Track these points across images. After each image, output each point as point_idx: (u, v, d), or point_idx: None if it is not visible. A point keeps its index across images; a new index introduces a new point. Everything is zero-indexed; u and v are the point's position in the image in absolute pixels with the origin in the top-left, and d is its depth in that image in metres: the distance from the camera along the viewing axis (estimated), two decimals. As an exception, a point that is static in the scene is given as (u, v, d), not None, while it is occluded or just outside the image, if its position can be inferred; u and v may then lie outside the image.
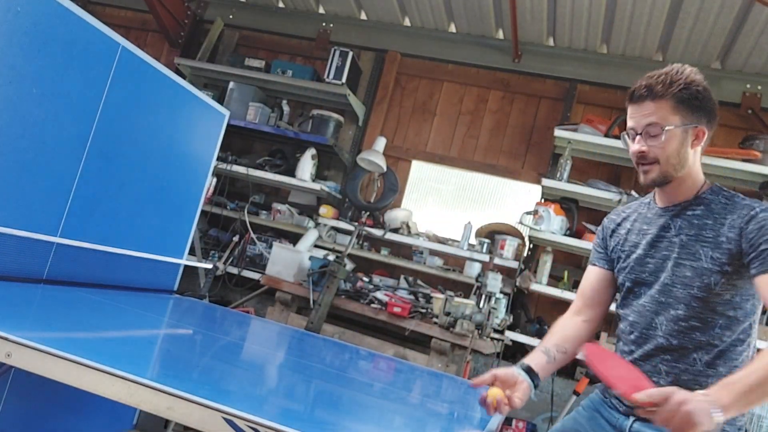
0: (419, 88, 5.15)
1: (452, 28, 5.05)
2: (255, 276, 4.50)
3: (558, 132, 4.30)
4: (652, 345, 1.68)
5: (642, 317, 1.71)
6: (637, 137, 1.67)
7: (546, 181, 4.27)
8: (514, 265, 4.25)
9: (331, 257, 4.08)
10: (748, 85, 4.40)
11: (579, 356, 1.73)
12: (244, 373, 2.11)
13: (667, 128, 1.61)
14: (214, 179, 4.83)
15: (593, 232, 4.00)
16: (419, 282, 4.41)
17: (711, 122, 1.67)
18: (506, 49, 4.85)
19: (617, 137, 4.25)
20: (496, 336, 3.80)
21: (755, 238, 1.55)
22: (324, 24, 5.37)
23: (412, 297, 4.11)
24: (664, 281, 1.68)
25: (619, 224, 1.88)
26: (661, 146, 1.63)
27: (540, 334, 4.11)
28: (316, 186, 4.75)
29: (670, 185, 1.70)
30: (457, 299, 3.73)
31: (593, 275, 1.91)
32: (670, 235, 1.71)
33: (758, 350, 1.55)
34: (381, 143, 4.80)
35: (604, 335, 3.91)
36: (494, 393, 1.58)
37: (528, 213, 4.24)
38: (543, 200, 4.32)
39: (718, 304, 1.61)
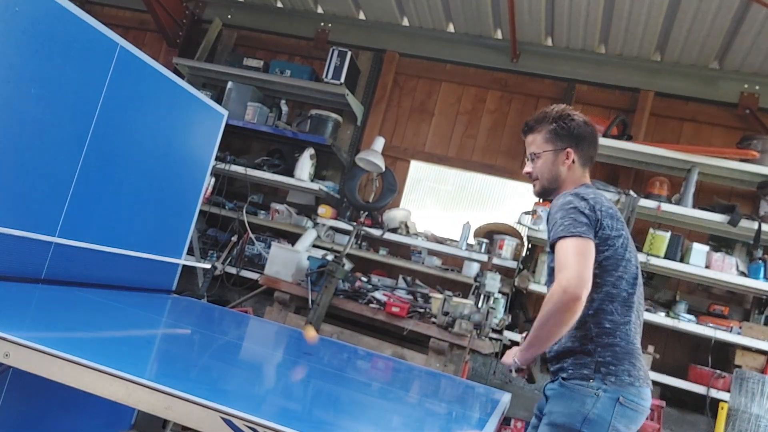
0: (417, 88, 5.15)
1: (450, 28, 5.05)
2: (253, 276, 4.50)
3: (556, 132, 4.30)
4: None
5: None
6: (528, 162, 2.16)
7: (544, 181, 4.26)
8: (513, 264, 4.26)
9: (330, 257, 4.07)
10: (746, 85, 4.41)
11: None
12: (242, 372, 2.11)
13: (540, 153, 2.09)
14: (213, 179, 4.83)
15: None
16: (418, 282, 4.41)
17: (580, 144, 2.08)
18: (504, 49, 4.86)
19: (615, 137, 4.25)
20: (495, 336, 3.80)
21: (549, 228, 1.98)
22: (322, 24, 5.37)
23: (410, 297, 4.11)
24: None
25: None
26: (538, 167, 2.11)
27: (538, 334, 4.11)
28: (315, 186, 4.75)
29: (552, 196, 2.10)
30: (455, 299, 3.73)
31: None
32: None
33: None
34: (379, 143, 4.79)
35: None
36: None
37: (526, 213, 4.24)
38: (541, 200, 4.32)
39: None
